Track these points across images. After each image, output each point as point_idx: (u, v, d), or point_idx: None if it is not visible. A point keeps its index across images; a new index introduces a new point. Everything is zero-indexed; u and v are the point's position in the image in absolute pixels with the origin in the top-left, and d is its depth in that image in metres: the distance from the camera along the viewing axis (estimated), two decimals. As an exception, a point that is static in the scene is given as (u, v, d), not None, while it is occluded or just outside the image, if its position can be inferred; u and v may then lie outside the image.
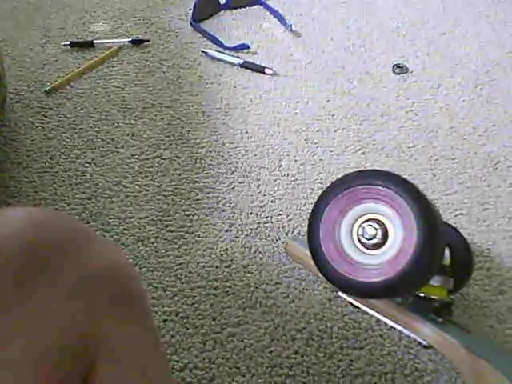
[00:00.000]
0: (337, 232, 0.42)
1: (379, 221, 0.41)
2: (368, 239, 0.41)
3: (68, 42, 0.88)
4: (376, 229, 0.41)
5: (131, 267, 0.31)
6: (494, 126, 0.76)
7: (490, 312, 0.54)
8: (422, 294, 0.46)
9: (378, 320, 0.52)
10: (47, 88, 0.80)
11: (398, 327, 0.45)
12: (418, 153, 0.72)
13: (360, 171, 0.43)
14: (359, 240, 0.42)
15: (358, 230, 0.42)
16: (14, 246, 0.25)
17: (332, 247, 0.42)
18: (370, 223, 0.41)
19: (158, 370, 0.29)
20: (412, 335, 0.45)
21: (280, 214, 0.65)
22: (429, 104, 0.80)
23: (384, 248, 0.40)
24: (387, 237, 0.41)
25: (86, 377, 0.26)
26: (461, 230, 0.55)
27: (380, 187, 0.40)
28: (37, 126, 0.74)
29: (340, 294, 0.50)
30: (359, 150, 0.73)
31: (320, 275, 0.44)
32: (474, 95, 0.82)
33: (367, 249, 0.41)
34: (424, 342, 0.44)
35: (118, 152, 0.71)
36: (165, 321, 0.52)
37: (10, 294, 0.24)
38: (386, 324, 0.52)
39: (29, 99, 0.78)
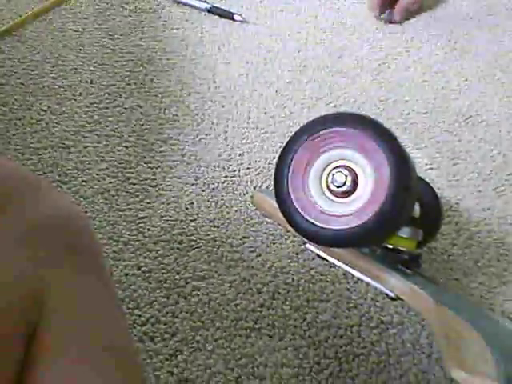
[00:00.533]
0: (305, 179, 0.40)
1: (349, 167, 0.39)
2: (337, 187, 0.39)
3: (20, -19, 0.81)
4: (346, 176, 0.39)
5: (84, 217, 0.29)
6: (466, 80, 0.75)
7: (456, 266, 0.54)
8: (390, 246, 0.45)
9: (344, 273, 0.51)
10: (0, 30, 0.73)
11: (366, 278, 0.45)
12: (390, 106, 0.71)
13: (332, 114, 0.40)
14: (328, 188, 0.40)
15: (327, 178, 0.40)
16: None
17: (300, 195, 0.40)
18: (339, 170, 0.39)
19: (115, 323, 0.27)
20: (379, 286, 0.44)
21: (248, 168, 0.62)
22: (402, 56, 0.78)
23: (353, 196, 0.39)
24: (357, 184, 0.39)
25: (33, 333, 0.24)
26: (431, 184, 0.54)
27: (351, 130, 0.38)
28: (-14, 71, 0.68)
29: (308, 245, 0.49)
30: (331, 102, 0.71)
31: (287, 226, 0.42)
32: (448, 48, 0.80)
33: (336, 197, 0.39)
34: (391, 294, 0.44)
35: (75, 100, 0.67)
36: (126, 275, 0.50)
37: None
38: (353, 277, 0.51)
39: (-23, 41, 0.72)
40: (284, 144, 0.43)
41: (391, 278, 0.44)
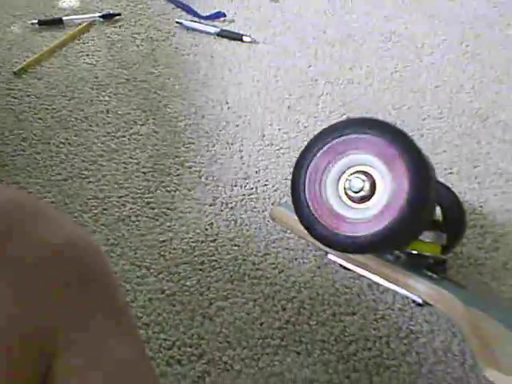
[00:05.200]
0: (323, 186, 0.40)
1: (367, 173, 0.39)
2: (355, 192, 0.39)
3: (36, 21, 0.84)
4: (363, 181, 0.38)
5: (96, 247, 0.28)
6: (481, 82, 0.74)
7: (484, 270, 0.52)
8: (414, 252, 0.44)
9: (370, 284, 0.51)
10: (16, 69, 0.76)
11: (392, 286, 0.44)
12: (405, 114, 0.70)
13: (347, 119, 0.40)
14: (346, 193, 0.39)
15: (344, 183, 0.40)
16: None
17: (318, 202, 0.40)
18: (356, 175, 0.39)
19: (125, 357, 0.26)
20: (406, 293, 0.43)
21: (265, 185, 0.62)
22: (413, 64, 0.78)
23: (372, 201, 0.38)
24: (375, 189, 0.38)
25: (47, 371, 0.23)
26: (452, 188, 0.53)
27: (369, 136, 0.38)
28: (7, 109, 0.71)
29: (330, 256, 0.48)
30: (344, 114, 0.71)
31: (308, 238, 0.42)
32: (460, 52, 0.79)
33: (354, 202, 0.39)
34: (419, 300, 0.43)
35: (92, 130, 0.68)
36: (150, 299, 0.50)
37: None
38: (378, 287, 0.50)
39: (-3, 81, 0.75)
40: (299, 154, 0.43)
41: (417, 283, 0.43)
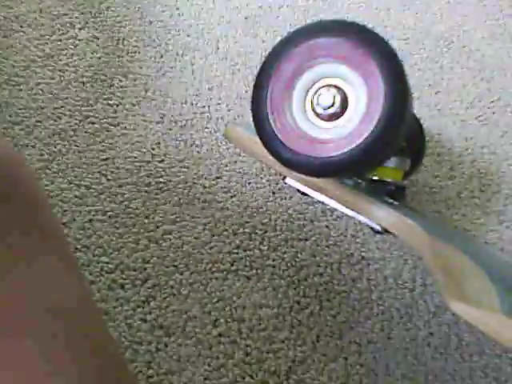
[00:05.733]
0: (287, 101, 0.36)
1: (337, 87, 0.34)
2: (324, 109, 0.35)
3: None
4: (334, 96, 0.34)
5: (21, 163, 0.25)
6: (448, 3, 0.70)
7: (439, 198, 0.52)
8: (375, 178, 0.42)
9: (324, 211, 0.49)
10: None
11: (350, 212, 0.42)
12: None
13: (309, 24, 0.35)
14: (313, 110, 0.35)
15: (312, 98, 0.35)
16: None
17: (281, 119, 0.35)
18: (326, 89, 0.34)
19: (57, 283, 0.23)
20: (365, 220, 0.42)
21: (218, 104, 0.58)
22: (381, -21, 0.72)
23: (342, 119, 0.35)
24: (347, 105, 0.35)
25: None
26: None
27: (337, 40, 0.33)
28: None
29: (288, 180, 0.46)
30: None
31: (266, 160, 0.39)
32: (429, -31, 0.74)
33: (322, 120, 0.35)
34: (377, 227, 0.41)
35: (24, 32, 0.60)
36: (90, 220, 0.46)
37: None
38: (332, 214, 0.49)
39: None
40: (262, 62, 0.38)
41: (379, 209, 0.40)
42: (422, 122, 0.57)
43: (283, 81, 0.35)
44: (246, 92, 0.59)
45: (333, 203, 0.43)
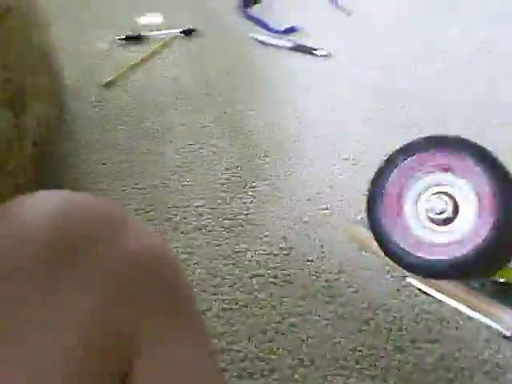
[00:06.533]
0: (401, 206, 0.38)
1: (448, 193, 0.37)
2: (437, 214, 0.37)
3: (123, 36, 0.89)
4: (445, 201, 0.36)
5: (169, 252, 0.29)
6: None
7: None
8: (501, 279, 0.41)
9: (452, 310, 0.48)
10: (105, 82, 0.80)
11: (476, 315, 0.41)
12: (496, 133, 0.67)
13: (420, 138, 0.39)
14: (427, 216, 0.38)
15: (425, 204, 0.38)
16: (45, 238, 0.24)
17: (395, 223, 0.38)
18: (437, 196, 0.37)
19: (199, 365, 0.26)
20: (492, 324, 0.41)
21: (340, 200, 0.61)
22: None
23: (456, 223, 0.36)
24: (458, 210, 0.36)
25: (125, 375, 0.24)
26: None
27: (452, 154, 0.36)
28: (95, 119, 0.75)
29: (409, 279, 0.47)
30: (424, 127, 0.68)
31: (385, 259, 0.40)
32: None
33: (437, 225, 0.37)
34: (506, 333, 0.40)
35: (172, 142, 0.70)
36: (224, 309, 0.50)
37: (43, 287, 0.23)
38: (462, 315, 0.47)
39: (87, 92, 0.79)
40: (376, 171, 0.42)
41: (504, 314, 0.40)
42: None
43: (396, 189, 0.38)
44: (366, 189, 0.62)
45: (457, 304, 0.42)
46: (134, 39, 0.89)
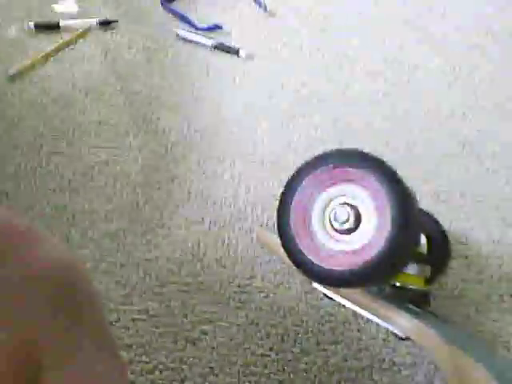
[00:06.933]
0: (308, 216, 0.40)
1: (351, 204, 0.39)
2: (340, 223, 0.39)
3: (32, 24, 0.83)
4: (348, 212, 0.39)
5: (80, 268, 0.29)
6: (471, 109, 0.75)
7: (468, 302, 0.53)
8: (398, 284, 0.44)
9: (354, 313, 0.51)
10: (11, 73, 0.75)
11: (375, 319, 0.44)
12: (396, 137, 0.71)
13: (334, 150, 0.41)
14: (331, 225, 0.40)
15: (329, 214, 0.40)
16: None
17: (302, 232, 0.40)
18: (341, 207, 0.39)
19: (108, 377, 0.27)
20: (389, 327, 0.44)
21: (254, 205, 0.62)
22: (406, 87, 0.78)
23: (357, 233, 0.39)
24: (360, 221, 0.39)
25: None
26: (438, 217, 0.54)
27: (354, 168, 0.38)
28: (-3, 114, 0.70)
29: (315, 285, 0.49)
30: (335, 135, 0.71)
31: (292, 265, 0.42)
32: (452, 77, 0.80)
33: (340, 234, 0.39)
34: (401, 334, 0.43)
35: (84, 140, 0.68)
36: (134, 320, 0.50)
37: None
38: (362, 317, 0.50)
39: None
40: (286, 182, 0.43)
41: (400, 317, 0.43)
42: (448, 224, 0.59)
43: (304, 200, 0.40)
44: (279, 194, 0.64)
45: (357, 308, 0.45)
46: (46, 28, 0.84)
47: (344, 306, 0.50)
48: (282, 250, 0.44)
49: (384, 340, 0.49)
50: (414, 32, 0.87)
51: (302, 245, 0.40)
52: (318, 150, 0.68)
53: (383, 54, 0.84)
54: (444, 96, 0.77)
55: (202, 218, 0.60)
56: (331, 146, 0.68)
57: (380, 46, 0.85)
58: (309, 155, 0.67)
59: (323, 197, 0.41)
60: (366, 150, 0.42)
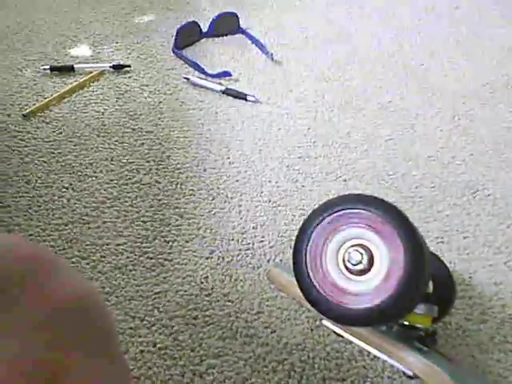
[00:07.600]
0: (323, 257, 0.42)
1: (365, 246, 0.41)
2: (354, 265, 0.40)
3: (48, 66, 0.87)
4: (362, 254, 0.40)
5: (98, 298, 0.30)
6: (471, 155, 0.78)
7: (472, 341, 0.53)
8: (406, 323, 0.45)
9: (361, 350, 0.51)
10: (25, 112, 0.78)
11: (383, 356, 0.45)
12: (398, 181, 0.73)
13: (346, 195, 0.43)
14: (345, 265, 0.41)
15: (343, 256, 0.41)
16: None
17: (318, 273, 0.41)
18: (355, 248, 0.41)
19: None
20: (396, 364, 0.44)
21: (262, 241, 0.64)
22: (407, 133, 0.81)
23: (370, 274, 0.40)
24: (373, 263, 0.40)
25: None
26: (443, 260, 0.55)
27: (366, 212, 0.40)
28: (13, 150, 0.72)
29: (324, 322, 0.50)
30: (340, 177, 0.73)
31: (304, 302, 0.43)
32: (452, 125, 0.83)
33: (353, 274, 0.41)
34: (409, 372, 0.43)
35: (96, 177, 0.70)
36: (142, 352, 0.50)
37: None
38: (369, 354, 0.51)
39: (6, 123, 0.77)
40: (302, 222, 0.45)
41: (408, 355, 0.44)
42: (452, 265, 0.61)
43: (319, 241, 0.42)
44: (287, 231, 0.65)
45: (365, 346, 0.46)
46: (61, 70, 0.88)
47: (351, 342, 0.50)
48: (294, 287, 0.45)
49: (389, 378, 0.49)
50: (415, 81, 0.92)
51: (317, 283, 0.42)
52: (324, 192, 0.70)
53: (385, 101, 0.87)
54: (445, 142, 0.80)
55: (211, 253, 0.61)
56: (336, 186, 0.71)
57: (383, 94, 0.89)
58: (315, 196, 0.70)
59: (336, 239, 0.43)
60: (379, 196, 0.44)
